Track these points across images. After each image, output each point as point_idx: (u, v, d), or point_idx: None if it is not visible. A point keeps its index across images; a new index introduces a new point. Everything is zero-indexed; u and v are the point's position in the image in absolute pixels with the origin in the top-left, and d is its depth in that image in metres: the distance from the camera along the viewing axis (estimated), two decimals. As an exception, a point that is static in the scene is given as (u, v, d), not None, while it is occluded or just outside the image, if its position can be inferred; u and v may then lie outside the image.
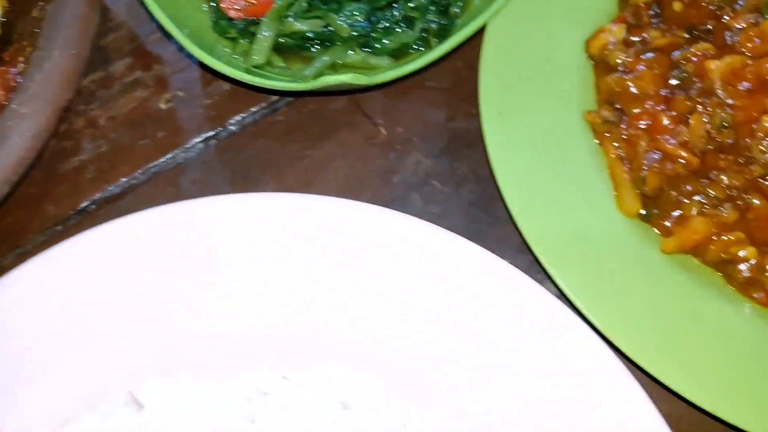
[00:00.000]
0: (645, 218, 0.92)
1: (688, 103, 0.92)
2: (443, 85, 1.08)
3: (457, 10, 1.02)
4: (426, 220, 0.98)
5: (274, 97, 1.09)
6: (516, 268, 0.83)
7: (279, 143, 1.06)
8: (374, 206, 0.86)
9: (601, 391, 0.77)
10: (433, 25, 1.00)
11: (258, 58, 0.95)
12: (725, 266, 0.89)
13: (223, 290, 0.85)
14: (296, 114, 1.07)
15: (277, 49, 1.00)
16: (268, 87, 0.89)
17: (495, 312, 0.81)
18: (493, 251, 0.93)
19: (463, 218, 1.00)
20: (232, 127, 1.07)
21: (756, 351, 0.84)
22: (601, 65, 1.01)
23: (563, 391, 0.78)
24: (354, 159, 1.04)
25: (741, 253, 0.87)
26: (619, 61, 0.98)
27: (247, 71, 0.91)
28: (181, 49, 1.09)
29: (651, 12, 1.01)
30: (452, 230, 0.98)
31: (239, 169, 1.04)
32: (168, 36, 1.07)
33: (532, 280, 0.82)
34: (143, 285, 0.84)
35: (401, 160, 1.04)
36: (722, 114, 0.90)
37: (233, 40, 1.01)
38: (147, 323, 0.83)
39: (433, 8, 1.00)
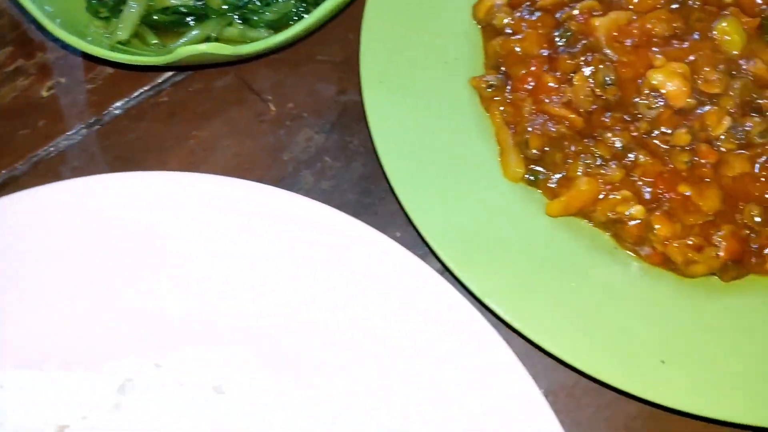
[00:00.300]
0: (533, 182, 0.90)
1: (571, 61, 0.90)
2: (335, 58, 1.04)
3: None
4: (317, 197, 0.95)
5: (159, 79, 1.05)
6: (399, 245, 0.79)
7: (163, 125, 1.01)
8: (252, 183, 0.83)
9: (479, 364, 0.74)
10: (310, -4, 0.96)
11: (122, 33, 0.91)
12: (614, 226, 0.87)
13: (92, 275, 0.80)
14: (182, 94, 1.03)
15: (154, 26, 0.96)
16: (129, 62, 0.85)
17: (375, 289, 0.78)
18: (383, 225, 0.91)
19: (354, 193, 0.96)
20: (116, 112, 1.02)
21: (645, 311, 0.81)
22: (489, 29, 0.98)
23: (442, 365, 0.75)
24: (243, 137, 1.00)
25: (629, 212, 0.85)
26: (504, 23, 0.95)
27: (112, 48, 0.87)
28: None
29: (537, -29, 0.98)
30: (343, 206, 0.95)
31: (122, 154, 1.00)
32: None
33: (414, 257, 0.79)
34: (6, 273, 0.80)
35: (292, 137, 1.00)
36: (606, 71, 0.88)
37: (106, 19, 0.96)
38: (10, 313, 0.79)
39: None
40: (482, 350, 0.73)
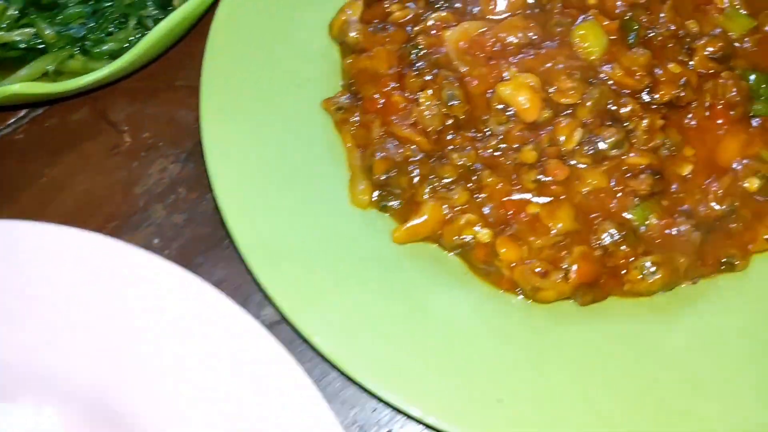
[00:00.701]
0: (383, 208, 0.84)
1: (417, 79, 0.84)
2: (194, 83, 0.99)
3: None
4: (169, 231, 0.92)
5: (20, 114, 1.00)
6: (224, 298, 0.75)
7: (17, 163, 0.97)
8: (73, 231, 0.78)
9: (281, 399, 0.69)
10: (150, 21, 0.92)
11: (-51, 71, 0.87)
12: (463, 250, 0.81)
13: None
14: (37, 130, 0.99)
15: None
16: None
17: (196, 342, 0.73)
18: (233, 257, 0.86)
19: (207, 226, 0.91)
20: (-37, 154, 0.99)
21: (489, 344, 0.75)
22: (345, 46, 0.93)
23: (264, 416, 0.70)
24: (94, 173, 0.95)
25: (475, 236, 0.80)
26: (355, 39, 0.90)
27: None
28: None
29: (392, -18, 0.93)
30: (195, 239, 0.91)
31: (-27, 195, 0.96)
32: None
33: (237, 309, 0.74)
34: None
35: (145, 169, 0.95)
36: (449, 88, 0.82)
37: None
38: None
39: (150, 1, 0.91)
40: (304, 414, 0.68)
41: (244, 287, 0.87)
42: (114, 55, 0.91)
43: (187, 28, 0.93)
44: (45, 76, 0.90)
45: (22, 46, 0.90)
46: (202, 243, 0.90)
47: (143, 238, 0.91)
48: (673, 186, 0.81)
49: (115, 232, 0.91)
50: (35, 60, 0.89)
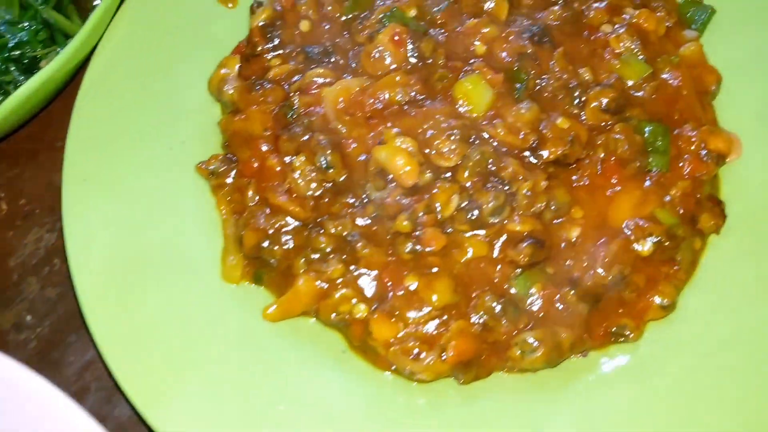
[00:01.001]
0: (258, 280, 0.79)
1: (290, 143, 0.79)
2: (74, 144, 0.94)
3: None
4: (42, 307, 0.87)
5: None
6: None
7: None
8: None
9: None
10: (12, 87, 0.86)
11: None
12: (340, 326, 0.76)
13: None
14: None
15: None
16: None
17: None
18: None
19: (82, 300, 0.86)
20: None
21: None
22: (225, 105, 0.87)
23: None
24: (-34, 246, 0.91)
25: (352, 312, 0.74)
26: (231, 97, 0.85)
27: None
28: None
29: (274, 35, 0.87)
30: (69, 315, 0.86)
31: None
32: None
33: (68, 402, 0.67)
34: None
35: (21, 238, 0.90)
36: (322, 155, 0.77)
37: None
38: None
39: (14, 66, 0.86)
40: None
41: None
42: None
43: (56, 90, 0.88)
44: None
45: None
46: (76, 320, 0.85)
47: (16, 315, 0.86)
48: (563, 252, 0.76)
49: (-12, 309, 0.86)
50: None
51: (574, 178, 0.78)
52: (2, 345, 0.83)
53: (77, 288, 0.76)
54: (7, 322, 0.85)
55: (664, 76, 0.83)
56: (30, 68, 0.89)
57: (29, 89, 0.80)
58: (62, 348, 0.84)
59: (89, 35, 0.86)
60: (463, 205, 0.75)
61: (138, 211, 0.81)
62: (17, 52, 0.88)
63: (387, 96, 0.81)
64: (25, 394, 0.69)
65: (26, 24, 0.90)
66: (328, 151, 0.77)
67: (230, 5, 0.94)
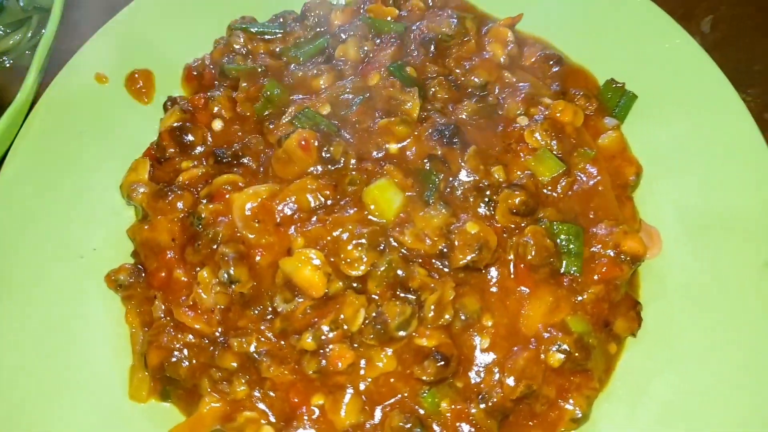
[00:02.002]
0: (166, 398, 0.76)
1: (195, 255, 0.77)
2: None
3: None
4: None
5: None
6: None
7: None
8: None
9: None
10: None
11: None
12: (250, 448, 0.74)
13: None
14: None
15: None
16: None
17: None
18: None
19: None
20: None
21: None
22: (137, 209, 0.85)
23: None
24: None
25: (258, 434, 0.72)
26: (139, 203, 0.82)
27: None
28: None
29: (186, 137, 0.85)
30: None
31: None
32: None
33: None
34: None
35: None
36: (226, 269, 0.74)
37: None
38: None
39: None
40: None
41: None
42: None
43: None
44: None
45: None
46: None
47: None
48: (473, 365, 0.73)
49: None
50: None
51: (486, 283, 0.76)
52: None
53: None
54: None
55: (580, 173, 0.82)
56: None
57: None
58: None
59: (1, 138, 0.83)
60: (370, 318, 0.72)
61: (45, 325, 0.78)
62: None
63: (296, 202, 0.79)
64: None
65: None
66: (232, 265, 0.74)
67: (146, 100, 0.92)
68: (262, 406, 0.72)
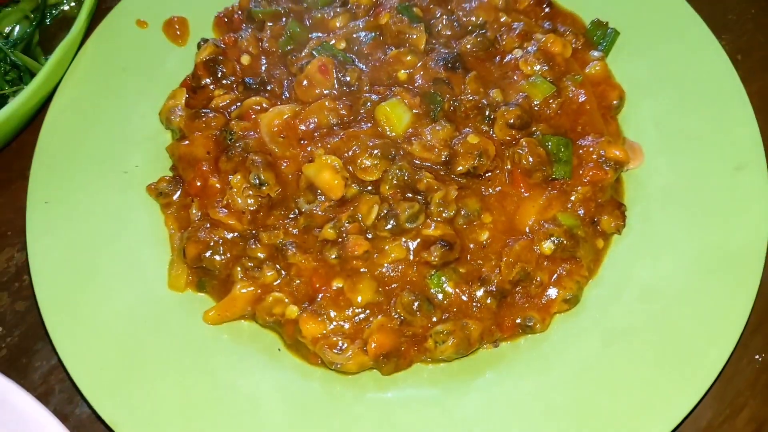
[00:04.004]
0: (201, 288, 0.84)
1: (228, 163, 0.84)
2: (43, 172, 1.00)
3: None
4: (12, 318, 0.91)
5: None
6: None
7: None
8: None
9: None
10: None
11: None
12: (276, 327, 0.81)
13: None
14: None
15: None
16: None
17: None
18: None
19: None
20: None
21: (291, 422, 0.75)
22: (174, 131, 0.93)
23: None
24: (-56, 263, 0.95)
25: (284, 313, 0.79)
26: (177, 124, 0.90)
27: None
28: None
29: (217, 69, 0.93)
30: (36, 325, 0.90)
31: None
32: None
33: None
34: None
35: (-7, 258, 0.95)
36: (255, 171, 0.82)
37: None
38: None
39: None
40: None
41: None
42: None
43: (24, 123, 0.93)
44: None
45: None
46: (42, 329, 0.89)
47: (-13, 327, 0.91)
48: (474, 253, 0.80)
49: (-38, 322, 0.91)
50: None
51: (483, 188, 0.84)
52: (-26, 355, 0.87)
53: (39, 300, 0.81)
54: (-20, 333, 0.90)
55: (569, 94, 0.89)
56: (-1, 106, 0.94)
57: (-1, 120, 0.85)
58: (29, 355, 0.88)
59: (51, 74, 0.92)
60: (383, 213, 0.80)
61: (94, 229, 0.87)
62: (-14, 91, 0.94)
63: (316, 120, 0.86)
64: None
65: (-4, 68, 0.96)
66: (261, 170, 0.82)
67: (181, 43, 1.01)
68: (288, 288, 0.80)
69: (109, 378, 0.76)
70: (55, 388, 0.86)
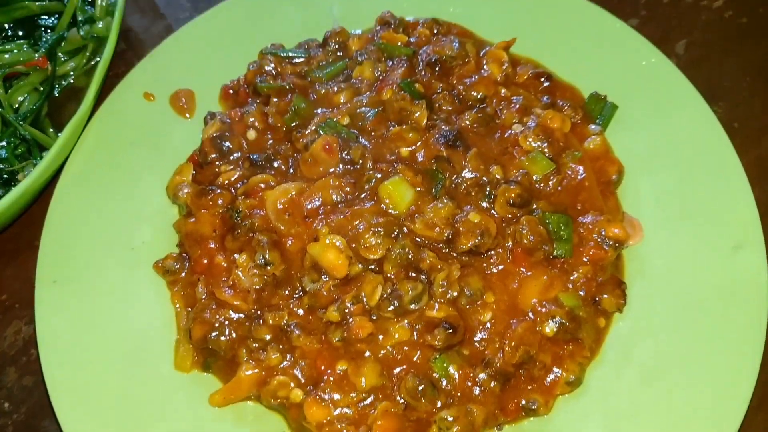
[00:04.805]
0: (207, 368, 0.83)
1: (234, 242, 0.85)
2: (51, 243, 0.99)
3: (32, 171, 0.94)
4: (19, 394, 0.91)
5: None
6: None
7: None
8: None
9: None
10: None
11: None
12: (282, 410, 0.80)
13: None
14: None
15: None
16: None
17: None
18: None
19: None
20: None
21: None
22: (181, 207, 0.93)
23: None
24: (-49, 339, 0.95)
25: (289, 396, 0.78)
26: (184, 201, 0.90)
27: None
28: None
29: (224, 145, 0.93)
30: (43, 402, 0.89)
31: None
32: None
33: None
34: None
35: (1, 331, 0.95)
36: (261, 253, 0.82)
37: None
38: None
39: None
40: None
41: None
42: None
43: (34, 197, 0.93)
44: None
45: None
46: (49, 406, 0.88)
47: (-6, 404, 0.90)
48: (477, 334, 0.80)
49: (-31, 398, 0.90)
50: None
51: (485, 265, 0.83)
52: (-20, 432, 0.86)
53: (46, 379, 0.80)
54: (-14, 410, 0.89)
55: (568, 171, 0.89)
56: (8, 182, 0.95)
57: (10, 200, 0.86)
58: (35, 433, 0.87)
59: (61, 149, 0.93)
60: (386, 294, 0.79)
61: (101, 307, 0.87)
62: (-3, 168, 0.95)
63: (321, 197, 0.86)
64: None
65: (4, 142, 0.96)
66: (267, 250, 0.82)
67: (188, 116, 1.01)
68: (293, 371, 0.79)
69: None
70: (61, 468, 0.85)
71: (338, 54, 1.05)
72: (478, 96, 0.97)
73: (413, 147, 0.91)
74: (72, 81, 1.07)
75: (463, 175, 0.88)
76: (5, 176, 0.96)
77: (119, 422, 0.78)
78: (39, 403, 0.89)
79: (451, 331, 0.78)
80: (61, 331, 0.83)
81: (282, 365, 0.79)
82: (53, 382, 0.80)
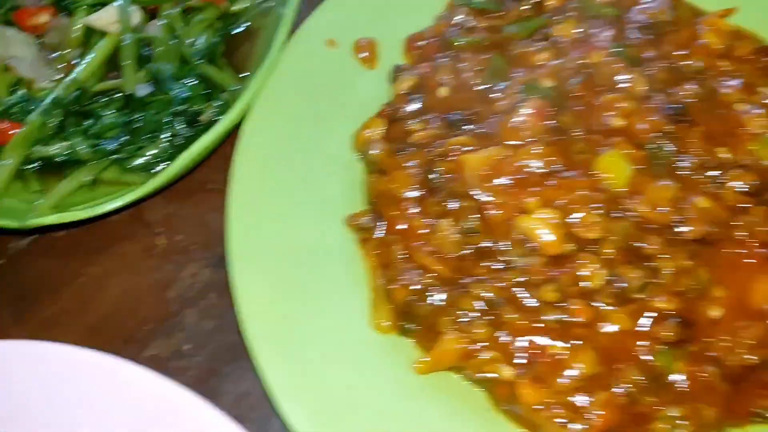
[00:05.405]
0: (405, 332, 0.78)
1: (437, 206, 0.78)
2: (225, 188, 0.94)
3: (214, 112, 0.88)
4: (200, 337, 0.88)
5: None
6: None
7: (58, 262, 0.93)
8: (94, 355, 0.74)
9: None
10: (180, 139, 0.87)
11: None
12: (487, 385, 0.74)
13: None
14: (77, 230, 0.95)
15: (40, 170, 0.89)
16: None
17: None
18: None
19: (235, 334, 0.84)
20: (13, 251, 0.96)
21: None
22: (368, 164, 0.87)
23: None
24: (131, 273, 0.91)
25: (497, 373, 0.72)
26: (376, 158, 0.84)
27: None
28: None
29: (415, 101, 0.86)
30: (225, 347, 0.86)
31: (17, 293, 0.92)
32: None
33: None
34: None
35: (178, 272, 0.91)
36: (469, 219, 0.75)
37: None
38: None
39: (180, 119, 0.87)
40: None
41: (269, 401, 0.80)
42: (146, 168, 0.87)
43: (215, 147, 0.89)
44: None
45: (60, 159, 0.87)
46: (231, 352, 0.85)
47: (176, 344, 0.87)
48: (703, 328, 0.72)
49: (150, 336, 0.88)
50: (73, 173, 0.86)
51: (714, 257, 0.75)
52: (163, 371, 0.84)
53: (247, 331, 0.76)
54: (168, 350, 0.87)
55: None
56: (191, 122, 0.89)
57: (204, 144, 0.81)
58: (218, 378, 0.84)
59: (253, 93, 0.86)
60: (608, 280, 0.73)
61: (294, 256, 0.81)
62: (182, 107, 0.89)
63: (527, 165, 0.79)
64: (190, 416, 0.70)
65: (187, 80, 0.90)
66: (470, 219, 0.76)
67: (370, 66, 0.93)
68: (502, 347, 0.73)
69: (317, 412, 0.71)
70: (247, 415, 0.80)
71: (531, 10, 0.96)
72: (696, 66, 0.88)
73: (628, 119, 0.83)
74: (250, 23, 1.01)
75: (687, 154, 0.79)
76: (189, 116, 0.90)
77: (322, 377, 0.74)
78: (220, 347, 0.87)
79: (685, 324, 0.71)
80: (255, 279, 0.79)
81: (489, 339, 0.75)
82: (254, 334, 0.75)
